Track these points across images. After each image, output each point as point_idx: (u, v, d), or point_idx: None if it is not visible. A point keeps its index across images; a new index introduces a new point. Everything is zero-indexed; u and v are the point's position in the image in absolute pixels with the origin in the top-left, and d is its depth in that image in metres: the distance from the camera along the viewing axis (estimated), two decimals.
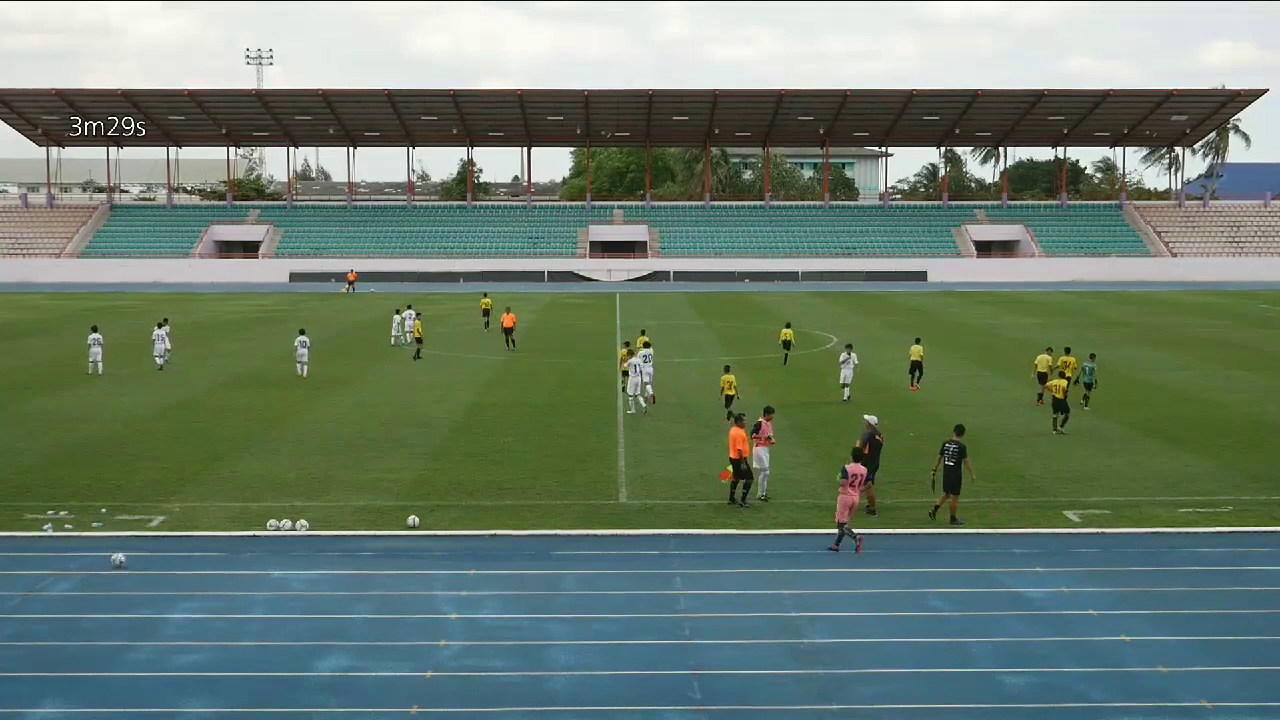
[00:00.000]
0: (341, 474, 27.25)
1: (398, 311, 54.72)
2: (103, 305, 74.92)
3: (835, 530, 21.46)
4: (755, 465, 24.56)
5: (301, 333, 44.92)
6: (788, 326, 48.17)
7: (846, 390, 37.32)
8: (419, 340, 48.97)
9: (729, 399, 33.75)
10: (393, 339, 53.17)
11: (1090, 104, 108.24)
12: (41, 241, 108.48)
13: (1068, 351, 37.17)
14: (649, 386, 35.75)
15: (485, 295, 66.74)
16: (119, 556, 20.58)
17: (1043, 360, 37.82)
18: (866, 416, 24.70)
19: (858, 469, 21.93)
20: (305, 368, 43.21)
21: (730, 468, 24.33)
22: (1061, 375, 34.30)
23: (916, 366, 40.12)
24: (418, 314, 52.78)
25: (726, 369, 35.54)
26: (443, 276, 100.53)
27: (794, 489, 25.69)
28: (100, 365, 43.48)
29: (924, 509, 23.72)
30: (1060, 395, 32.34)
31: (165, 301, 76.13)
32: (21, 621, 17.92)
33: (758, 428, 24.83)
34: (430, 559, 20.94)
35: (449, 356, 48.83)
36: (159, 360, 44.97)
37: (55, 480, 26.54)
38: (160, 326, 46.05)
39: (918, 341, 41.19)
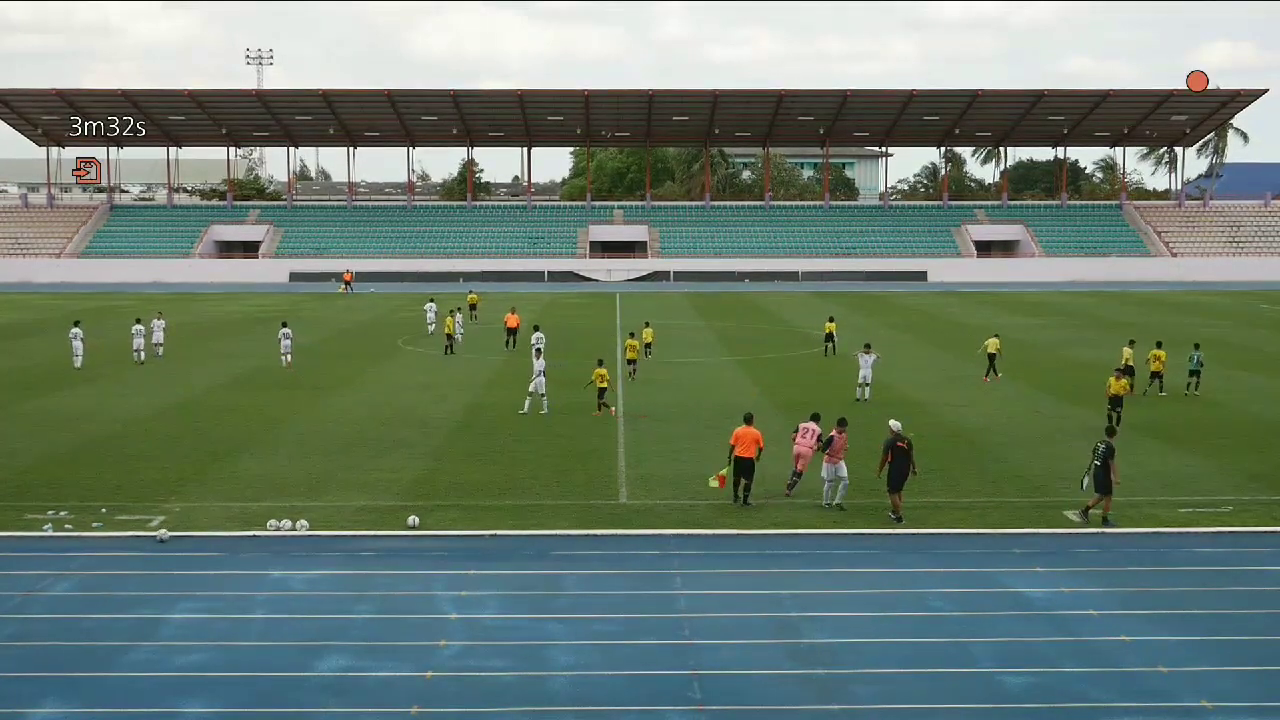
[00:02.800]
0: (341, 474, 27.24)
1: (455, 311, 55.76)
2: (103, 305, 74.93)
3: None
4: (831, 475, 24.06)
5: (284, 325, 46.94)
6: (831, 320, 50.68)
7: (868, 390, 37.27)
8: (450, 336, 50.17)
9: (601, 391, 34.65)
10: (459, 335, 53.61)
11: (1090, 104, 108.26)
12: (41, 241, 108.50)
13: (1159, 346, 39.11)
14: (541, 379, 35.05)
15: (471, 291, 69.20)
16: (163, 533, 21.93)
17: (1126, 353, 39.25)
18: (891, 422, 24.25)
19: (807, 425, 24.91)
20: (289, 358, 45.29)
21: (726, 470, 24.35)
22: (1152, 372, 37.91)
23: (992, 359, 41.83)
24: (450, 311, 54.16)
25: (600, 363, 35.90)
26: (443, 276, 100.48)
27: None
28: (79, 360, 44.59)
29: (923, 508, 23.66)
30: (1121, 392, 32.21)
31: (165, 301, 75.99)
32: (22, 621, 17.92)
33: (829, 442, 24.16)
34: (430, 559, 20.94)
35: (449, 356, 48.83)
36: (139, 355, 46.47)
37: (55, 480, 26.54)
38: (139, 322, 47.40)
39: (995, 336, 43.27)
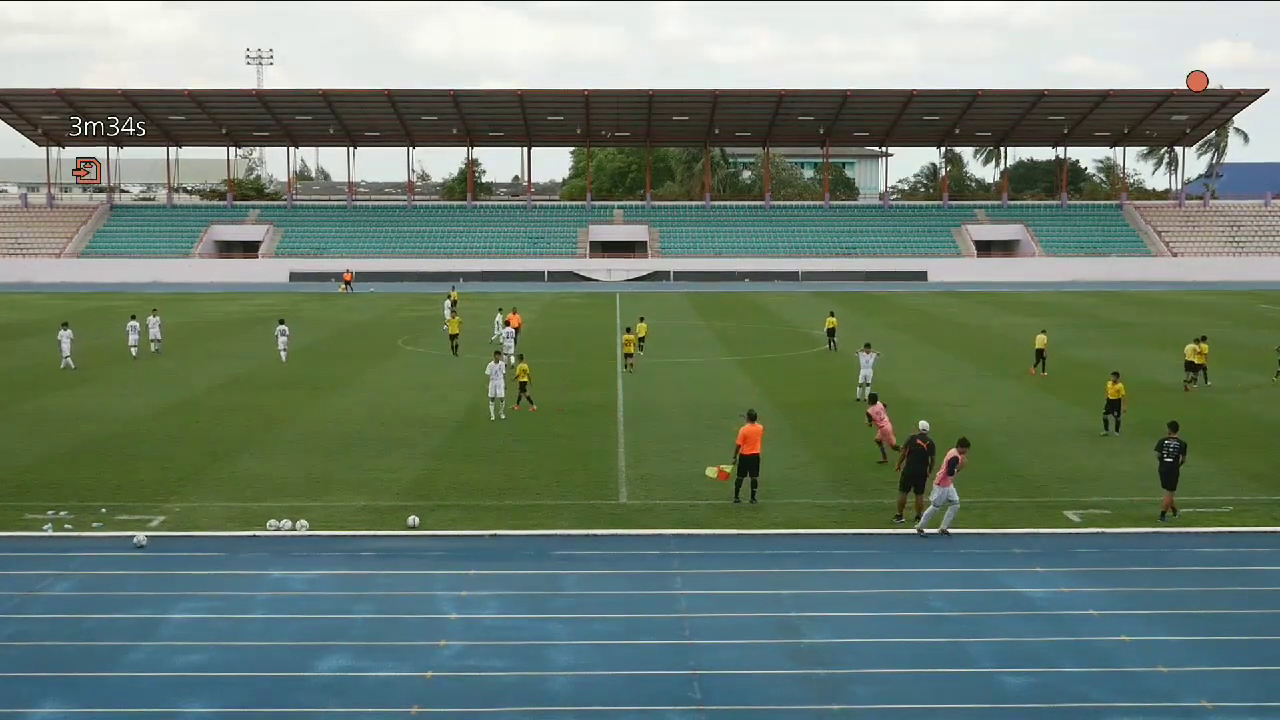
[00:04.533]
0: (341, 474, 27.24)
1: (501, 310, 56.01)
2: (102, 305, 74.91)
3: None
4: (939, 499, 22.20)
5: (281, 322, 48.62)
6: (831, 315, 53.45)
7: (868, 389, 37.16)
8: (454, 336, 49.91)
9: (523, 385, 35.24)
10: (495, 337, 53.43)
11: (1090, 104, 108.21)
12: (41, 241, 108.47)
13: (1204, 340, 40.63)
14: (500, 382, 34.46)
15: (454, 289, 71.20)
16: (140, 537, 21.57)
17: (1190, 349, 40.28)
18: (920, 423, 23.93)
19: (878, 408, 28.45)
20: (285, 354, 46.86)
21: (730, 467, 24.35)
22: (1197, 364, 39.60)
23: (1040, 354, 43.48)
24: (452, 308, 55.20)
25: (520, 357, 36.42)
26: (443, 276, 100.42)
27: (794, 489, 25.68)
28: (70, 361, 44.70)
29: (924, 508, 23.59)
30: (1115, 397, 31.75)
31: (166, 301, 75.90)
32: (21, 621, 17.92)
33: (954, 462, 22.08)
34: (430, 559, 20.94)
35: (449, 357, 48.80)
36: (134, 351, 48.05)
37: (55, 480, 26.54)
38: (134, 319, 49.31)
39: (1043, 331, 45.37)
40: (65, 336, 45.16)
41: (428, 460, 28.72)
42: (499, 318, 54.55)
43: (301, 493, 25.46)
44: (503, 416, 33.91)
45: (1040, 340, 43.92)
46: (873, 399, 29.25)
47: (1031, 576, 19.84)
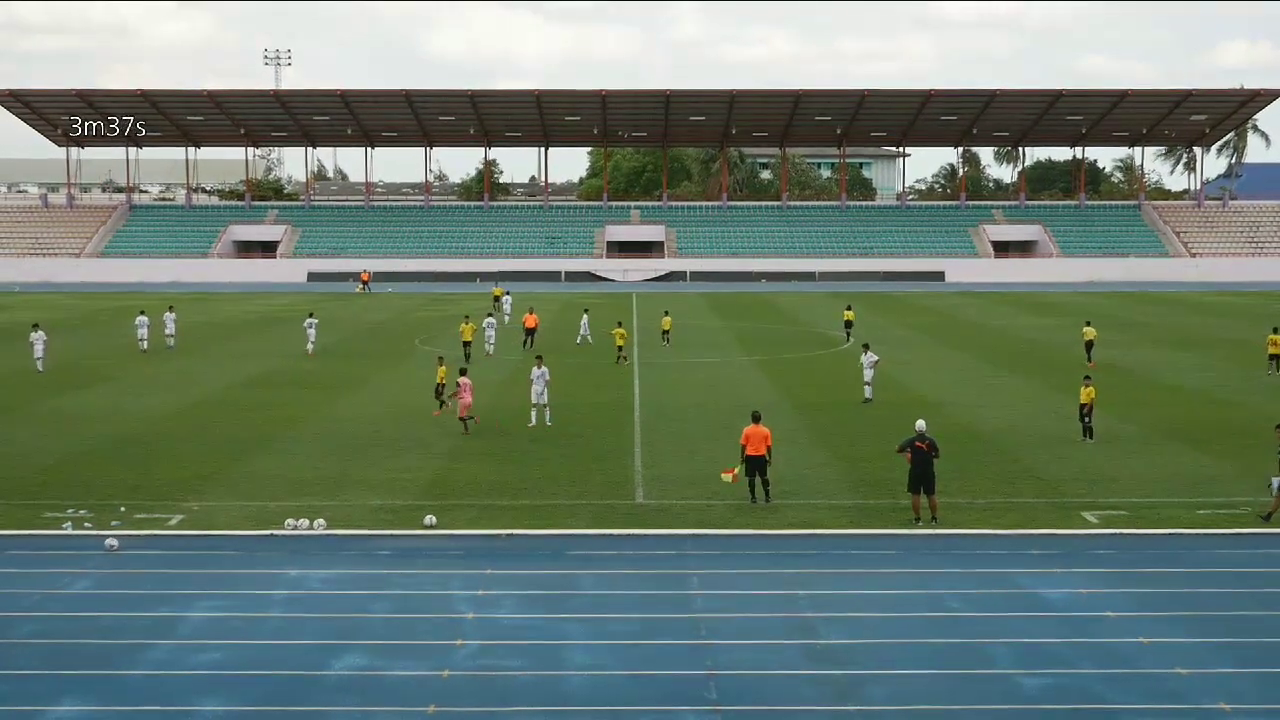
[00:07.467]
0: (358, 473, 27.32)
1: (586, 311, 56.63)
2: (121, 305, 75.17)
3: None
4: None
5: (310, 315, 50.82)
6: (849, 309, 56.04)
7: (869, 389, 37.12)
8: (466, 343, 47.20)
9: (440, 388, 35.22)
10: (580, 339, 52.66)
11: (1108, 104, 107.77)
12: (62, 241, 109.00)
13: (1276, 331, 42.94)
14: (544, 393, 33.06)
15: (497, 284, 74.29)
16: (112, 541, 21.52)
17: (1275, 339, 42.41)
18: (918, 422, 23.81)
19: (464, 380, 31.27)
20: (313, 346, 48.51)
21: (738, 468, 24.34)
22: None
23: (1090, 346, 45.51)
24: (466, 317, 51.65)
25: (440, 360, 36.66)
26: (460, 277, 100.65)
27: (810, 489, 25.67)
28: (41, 363, 44.18)
29: (940, 509, 23.52)
30: (1086, 400, 31.21)
31: (184, 301, 76.19)
32: (41, 619, 18.02)
33: None
34: (447, 558, 20.99)
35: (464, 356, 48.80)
36: (143, 345, 49.45)
37: (74, 479, 26.68)
38: (143, 314, 51.22)
39: (1089, 324, 47.22)
40: (38, 338, 44.07)
41: (445, 460, 28.78)
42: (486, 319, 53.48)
43: (319, 492, 25.54)
44: (548, 423, 32.76)
45: (1089, 333, 45.81)
46: (462, 371, 32.22)
47: (1049, 578, 19.78)
